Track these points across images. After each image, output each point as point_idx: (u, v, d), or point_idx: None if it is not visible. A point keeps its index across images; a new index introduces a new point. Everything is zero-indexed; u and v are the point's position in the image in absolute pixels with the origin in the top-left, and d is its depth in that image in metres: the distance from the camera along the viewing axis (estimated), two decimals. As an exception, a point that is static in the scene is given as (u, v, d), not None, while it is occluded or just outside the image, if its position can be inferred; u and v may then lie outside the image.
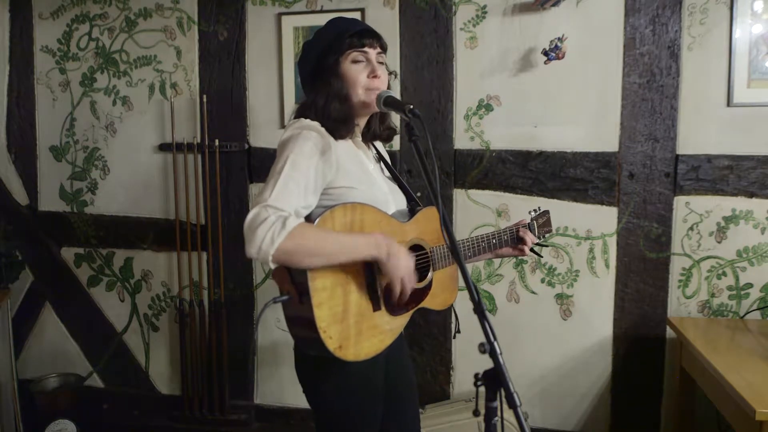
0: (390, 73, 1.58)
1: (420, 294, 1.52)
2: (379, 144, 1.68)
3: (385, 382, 1.56)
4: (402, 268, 1.38)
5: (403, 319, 1.50)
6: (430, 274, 1.55)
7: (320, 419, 1.54)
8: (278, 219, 1.25)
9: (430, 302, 1.56)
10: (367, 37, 1.47)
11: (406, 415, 1.66)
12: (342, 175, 1.43)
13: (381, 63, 1.51)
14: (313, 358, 1.46)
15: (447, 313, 2.61)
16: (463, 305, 2.57)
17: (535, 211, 1.84)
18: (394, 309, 1.47)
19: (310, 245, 1.28)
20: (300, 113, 1.49)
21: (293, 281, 1.37)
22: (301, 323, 1.38)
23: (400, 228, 1.51)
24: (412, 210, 1.60)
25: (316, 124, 1.43)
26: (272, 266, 1.30)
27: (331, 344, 1.34)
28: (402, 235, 1.50)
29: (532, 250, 1.76)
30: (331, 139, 1.44)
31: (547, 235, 1.94)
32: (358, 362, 1.40)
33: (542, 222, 1.84)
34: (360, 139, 1.57)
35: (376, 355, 1.43)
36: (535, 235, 1.78)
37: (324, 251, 1.30)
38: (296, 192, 1.33)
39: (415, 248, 1.54)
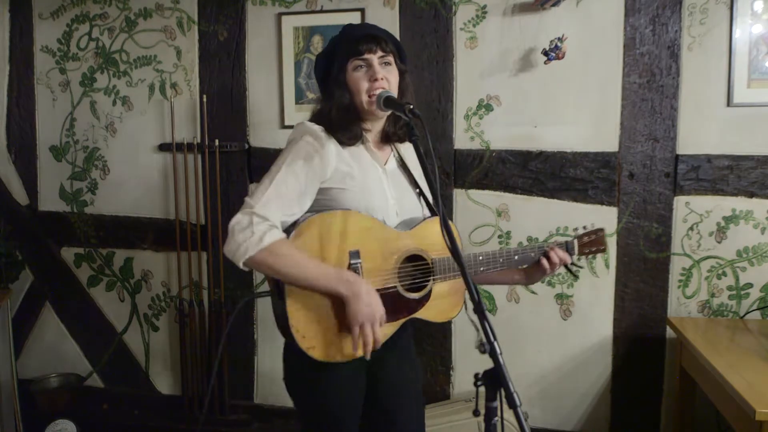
0: (404, 72, 1.55)
1: (414, 304, 1.51)
2: (409, 150, 1.62)
3: (378, 379, 1.58)
4: (363, 314, 1.35)
5: (388, 328, 1.47)
6: (429, 285, 1.53)
7: (301, 417, 1.58)
8: (258, 231, 1.32)
9: (426, 313, 1.53)
10: (364, 43, 1.47)
11: (403, 412, 1.64)
12: (337, 177, 1.46)
13: (388, 64, 1.50)
14: (293, 361, 1.52)
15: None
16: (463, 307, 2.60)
17: (584, 228, 1.72)
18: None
19: (278, 265, 1.33)
20: (310, 118, 1.53)
21: (273, 279, 1.41)
22: (279, 320, 1.42)
23: (397, 237, 1.50)
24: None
25: (318, 128, 1.48)
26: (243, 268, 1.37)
27: (304, 344, 1.38)
28: (397, 243, 1.50)
29: (567, 269, 1.67)
30: (332, 141, 1.47)
31: (597, 256, 1.81)
32: (335, 364, 1.43)
33: (588, 240, 1.70)
34: (370, 144, 1.55)
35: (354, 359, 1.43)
36: (573, 254, 1.68)
37: (289, 274, 1.34)
38: (287, 199, 1.38)
39: (414, 258, 1.52)
